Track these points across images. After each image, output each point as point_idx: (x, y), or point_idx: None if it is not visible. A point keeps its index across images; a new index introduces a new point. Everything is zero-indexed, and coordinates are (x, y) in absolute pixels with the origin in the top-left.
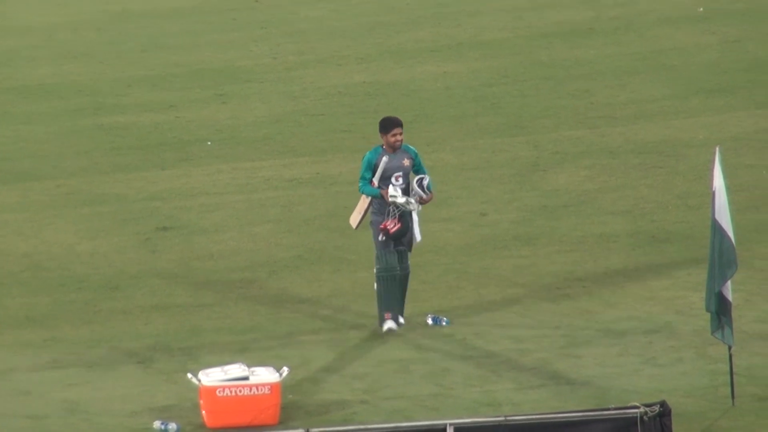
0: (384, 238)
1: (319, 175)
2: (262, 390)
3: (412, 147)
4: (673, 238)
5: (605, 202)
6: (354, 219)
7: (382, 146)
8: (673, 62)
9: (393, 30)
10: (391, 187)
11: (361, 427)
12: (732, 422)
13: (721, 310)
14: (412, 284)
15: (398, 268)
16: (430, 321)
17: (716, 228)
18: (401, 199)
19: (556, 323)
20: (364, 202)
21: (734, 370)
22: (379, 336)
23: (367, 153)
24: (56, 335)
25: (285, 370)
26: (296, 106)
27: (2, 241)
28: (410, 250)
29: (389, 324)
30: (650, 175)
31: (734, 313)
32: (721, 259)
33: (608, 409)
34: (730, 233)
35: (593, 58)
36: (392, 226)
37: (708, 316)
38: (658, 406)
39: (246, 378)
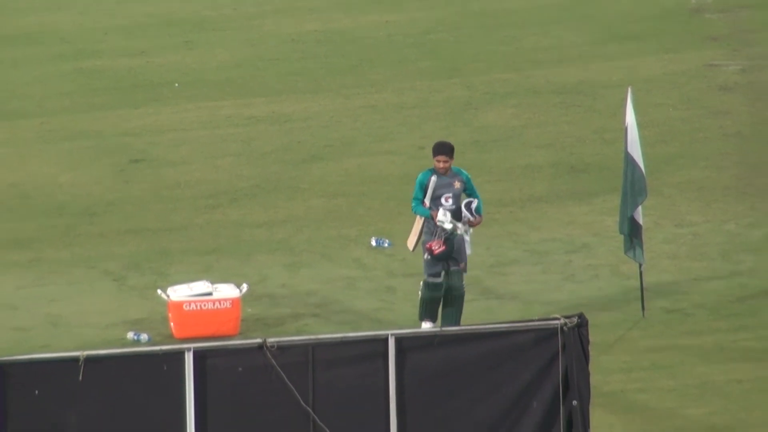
0: (429, 257)
1: (274, 114)
2: (224, 304)
3: (465, 171)
4: (590, 169)
5: (530, 136)
6: (411, 241)
7: (433, 168)
8: (591, 12)
9: None
10: (441, 210)
11: (313, 337)
12: (642, 332)
13: (632, 233)
14: (359, 210)
15: (440, 287)
16: (373, 243)
17: (629, 160)
18: (448, 225)
19: (486, 244)
20: (418, 223)
21: (644, 285)
22: (328, 257)
23: (420, 174)
24: (40, 256)
25: (244, 286)
26: (254, 52)
27: None
28: (465, 271)
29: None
30: (570, 112)
31: (644, 235)
32: (633, 187)
33: (532, 321)
34: (641, 164)
35: (520, 8)
36: (437, 247)
37: (621, 237)
38: (577, 317)
39: (210, 294)
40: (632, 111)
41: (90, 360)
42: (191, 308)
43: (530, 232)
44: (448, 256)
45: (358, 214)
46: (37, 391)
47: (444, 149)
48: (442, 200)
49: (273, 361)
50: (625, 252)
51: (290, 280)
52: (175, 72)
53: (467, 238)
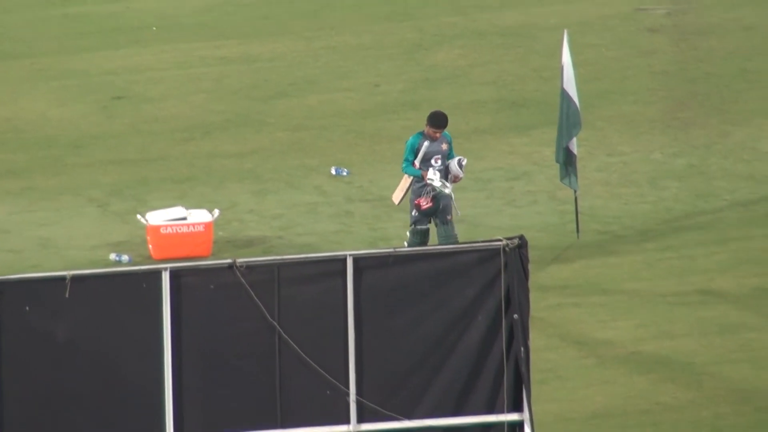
0: (416, 213)
1: (243, 55)
2: (197, 228)
3: (448, 134)
4: (530, 104)
5: (475, 75)
6: (396, 196)
7: (423, 132)
8: None
9: None
10: (430, 170)
11: (278, 258)
12: (577, 252)
13: (568, 162)
14: (320, 142)
15: (426, 233)
16: (333, 171)
17: (564, 95)
18: (438, 183)
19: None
20: (406, 181)
21: (579, 210)
22: (292, 184)
23: (411, 137)
24: (31, 185)
25: (216, 212)
26: None
27: None
28: (448, 223)
29: None
30: (511, 53)
31: (579, 164)
32: (569, 120)
33: (477, 242)
34: (576, 100)
35: None
36: (425, 204)
37: (558, 166)
38: (518, 239)
39: (184, 218)
40: (568, 51)
41: (76, 279)
42: (168, 231)
43: (475, 162)
44: (434, 213)
45: (319, 146)
46: (27, 307)
47: (443, 123)
48: (432, 161)
49: (242, 279)
50: (561, 179)
51: (257, 205)
52: (153, 17)
53: (452, 194)
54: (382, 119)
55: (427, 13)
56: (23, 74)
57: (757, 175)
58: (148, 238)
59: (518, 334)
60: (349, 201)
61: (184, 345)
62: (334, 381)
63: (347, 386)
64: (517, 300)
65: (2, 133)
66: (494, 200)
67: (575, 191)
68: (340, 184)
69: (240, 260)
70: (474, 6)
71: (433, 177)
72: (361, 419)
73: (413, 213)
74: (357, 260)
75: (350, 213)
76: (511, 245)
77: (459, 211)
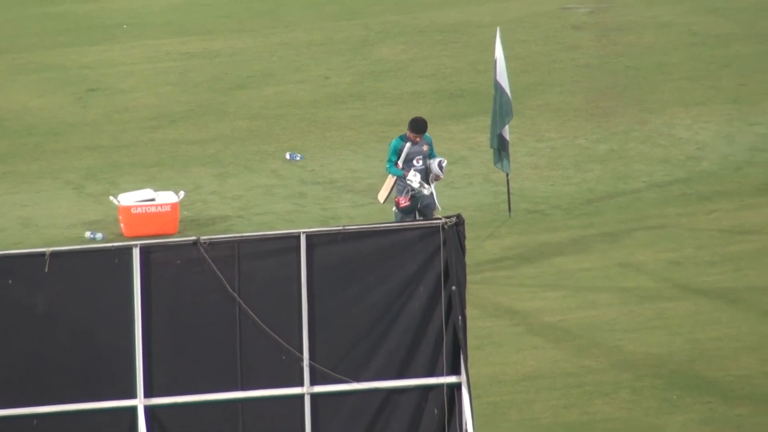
0: (396, 210)
1: (206, 50)
2: (164, 208)
3: (428, 136)
4: (466, 94)
5: (416, 68)
6: (381, 195)
7: (404, 135)
8: None
9: None
10: (411, 171)
11: (238, 235)
12: (509, 228)
13: (501, 147)
14: (276, 129)
15: None
16: (288, 156)
17: (498, 87)
18: (416, 184)
19: (381, 158)
20: (390, 180)
21: (510, 191)
22: (250, 168)
23: (394, 140)
24: (13, 169)
25: (182, 193)
26: None
27: None
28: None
29: None
30: (449, 48)
31: (510, 149)
32: (502, 109)
33: (418, 221)
34: (508, 90)
35: None
36: (403, 202)
37: (492, 151)
38: (455, 217)
39: (153, 199)
40: (500, 46)
41: (54, 255)
42: (138, 211)
43: None
44: (413, 210)
45: (274, 133)
46: (10, 281)
47: (422, 128)
48: (414, 162)
49: (205, 254)
50: (495, 163)
51: (219, 187)
52: (124, 15)
53: (434, 192)
54: (332, 109)
55: (373, 11)
56: (5, 68)
57: (672, 159)
58: (120, 217)
59: (456, 304)
60: (303, 183)
61: (153, 315)
62: (289, 347)
63: (301, 352)
64: (455, 273)
65: None
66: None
67: (507, 174)
68: (294, 168)
69: (203, 237)
70: (415, 5)
71: (413, 178)
72: (313, 382)
73: (394, 210)
74: (310, 237)
75: (303, 194)
76: (449, 223)
77: (440, 206)
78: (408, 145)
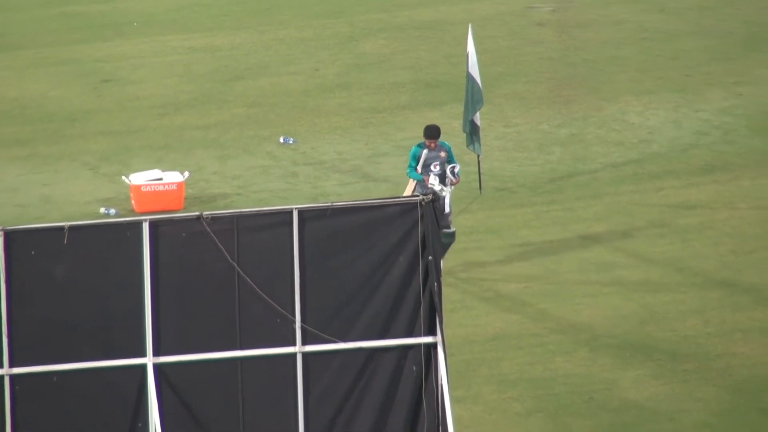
0: None
1: (208, 45)
2: (171, 186)
3: (446, 143)
4: (442, 85)
5: (396, 61)
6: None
7: (423, 143)
8: None
9: None
10: (431, 175)
11: (237, 211)
12: (480, 204)
13: (473, 131)
14: (271, 116)
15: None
16: (281, 140)
17: (469, 77)
18: (437, 187)
19: (365, 141)
20: (410, 185)
21: (481, 171)
22: (248, 151)
23: (413, 147)
24: (35, 152)
25: (186, 173)
26: None
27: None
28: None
29: None
30: (426, 42)
31: (481, 133)
32: (473, 97)
33: (398, 197)
34: (479, 80)
35: None
36: None
37: (464, 135)
38: (431, 194)
39: (161, 179)
40: (472, 41)
41: (72, 228)
42: (147, 189)
43: (396, 132)
44: None
45: (270, 119)
46: (33, 252)
47: (435, 134)
48: (432, 167)
49: (208, 228)
50: (467, 146)
51: (220, 168)
52: (134, 14)
53: (448, 198)
54: (321, 97)
55: (358, 10)
56: (27, 62)
57: (626, 142)
58: (131, 195)
59: (432, 272)
60: (295, 164)
61: (161, 282)
62: (282, 311)
63: (293, 315)
64: (431, 245)
65: (11, 110)
66: None
67: (478, 155)
68: (287, 151)
69: (206, 213)
70: (395, 5)
71: (434, 182)
72: (304, 342)
73: None
74: (301, 212)
75: (296, 174)
76: (426, 200)
77: (450, 209)
78: (425, 151)
